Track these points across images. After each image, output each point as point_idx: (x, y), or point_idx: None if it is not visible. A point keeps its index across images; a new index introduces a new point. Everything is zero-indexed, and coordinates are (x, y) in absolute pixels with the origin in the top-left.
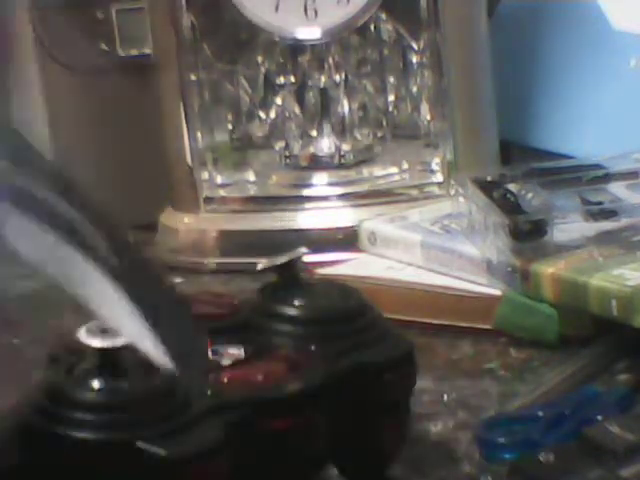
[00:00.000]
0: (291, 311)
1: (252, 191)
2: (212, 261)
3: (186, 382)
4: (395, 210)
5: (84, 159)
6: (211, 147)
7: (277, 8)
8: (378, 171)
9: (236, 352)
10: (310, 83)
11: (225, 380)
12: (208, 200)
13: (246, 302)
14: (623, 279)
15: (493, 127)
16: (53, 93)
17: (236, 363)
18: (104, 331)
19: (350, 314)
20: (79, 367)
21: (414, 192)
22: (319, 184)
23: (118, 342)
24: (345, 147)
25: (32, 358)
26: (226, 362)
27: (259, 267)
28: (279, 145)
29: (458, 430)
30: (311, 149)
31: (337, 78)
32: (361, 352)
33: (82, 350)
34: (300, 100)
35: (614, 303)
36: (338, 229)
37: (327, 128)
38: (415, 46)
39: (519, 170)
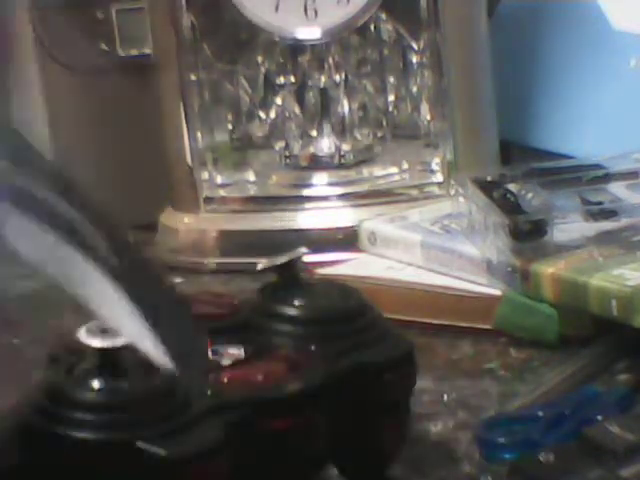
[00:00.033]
0: (291, 311)
1: (252, 191)
2: (212, 261)
3: (186, 382)
4: (395, 210)
5: (84, 159)
6: (211, 147)
7: (277, 8)
8: (378, 171)
9: (236, 352)
10: (310, 83)
11: (225, 380)
12: (208, 200)
13: (246, 302)
14: (623, 279)
15: (493, 127)
16: (53, 93)
17: (236, 363)
18: (104, 331)
19: (350, 314)
20: (79, 367)
21: (414, 192)
22: (319, 184)
23: (118, 342)
24: (345, 147)
25: (32, 358)
26: (226, 362)
27: (259, 267)
28: (279, 145)
29: (458, 430)
30: (311, 149)
31: (337, 78)
32: (361, 352)
33: (82, 350)
34: (300, 100)
35: (614, 303)
36: (338, 229)
37: (327, 128)
38: (415, 46)
39: (519, 170)
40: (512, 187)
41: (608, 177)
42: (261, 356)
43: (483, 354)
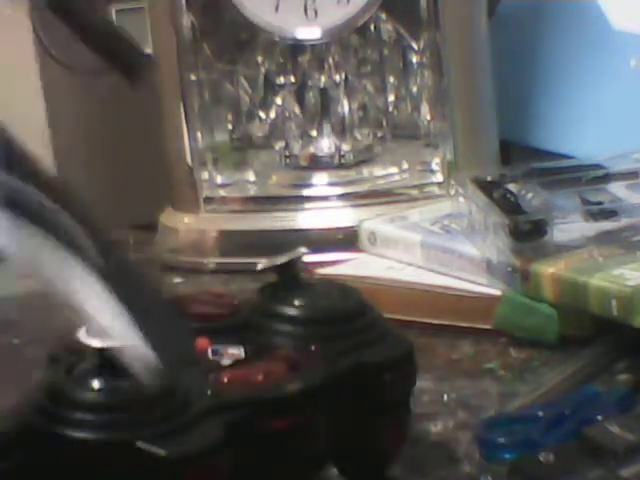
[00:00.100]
0: (291, 311)
1: (252, 191)
2: (212, 261)
3: (172, 379)
4: (395, 210)
5: (84, 159)
6: (211, 147)
7: (277, 8)
8: (378, 171)
9: (236, 352)
10: (310, 83)
11: (225, 380)
12: (208, 200)
13: (246, 302)
14: (623, 279)
15: (493, 127)
16: (53, 93)
17: (236, 363)
18: (104, 331)
19: (350, 314)
20: (79, 367)
21: (414, 192)
22: (319, 184)
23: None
24: (345, 147)
25: (32, 358)
26: (226, 362)
27: (259, 267)
28: (279, 145)
29: (458, 430)
30: (311, 149)
31: (337, 78)
32: (361, 352)
33: (82, 350)
34: (300, 100)
35: (614, 303)
36: (338, 229)
37: (327, 128)
38: (415, 46)
39: (519, 170)
40: (512, 187)
41: (608, 177)
42: (261, 356)
43: (483, 354)
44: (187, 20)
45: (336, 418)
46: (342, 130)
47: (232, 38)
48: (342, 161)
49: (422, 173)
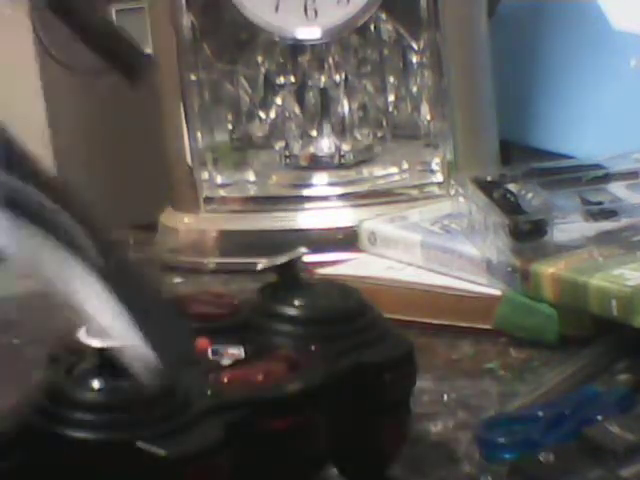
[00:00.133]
0: (291, 311)
1: (252, 191)
2: (212, 261)
3: (171, 379)
4: (395, 210)
5: (84, 159)
6: (211, 147)
7: (277, 8)
8: (378, 171)
9: (236, 352)
10: (310, 83)
11: (225, 380)
12: (208, 200)
13: (246, 302)
14: (623, 279)
15: (493, 127)
16: (53, 93)
17: (236, 363)
18: (104, 331)
19: (350, 314)
20: (79, 367)
21: (414, 192)
22: (319, 184)
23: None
24: (345, 147)
25: (32, 358)
26: (226, 362)
27: (259, 267)
28: (279, 145)
29: (458, 430)
30: (311, 149)
31: (337, 78)
32: (361, 352)
33: (82, 350)
34: (300, 100)
35: (614, 303)
36: (338, 229)
37: (327, 128)
38: (415, 46)
39: (519, 170)
40: (512, 187)
41: (608, 177)
42: (261, 356)
43: (483, 354)
44: (187, 20)
45: (336, 418)
46: (342, 130)
47: (232, 38)
48: (342, 161)
49: (422, 173)
